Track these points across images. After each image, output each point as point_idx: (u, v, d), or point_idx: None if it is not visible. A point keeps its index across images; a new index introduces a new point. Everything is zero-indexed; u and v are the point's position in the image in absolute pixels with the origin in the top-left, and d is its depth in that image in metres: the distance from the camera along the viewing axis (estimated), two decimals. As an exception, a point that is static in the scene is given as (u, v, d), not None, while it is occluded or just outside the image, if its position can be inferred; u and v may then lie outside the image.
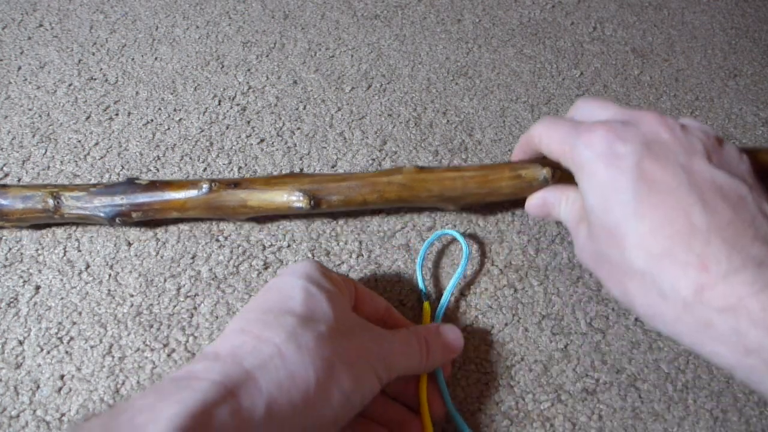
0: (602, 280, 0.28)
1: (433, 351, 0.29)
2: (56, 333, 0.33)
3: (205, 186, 0.35)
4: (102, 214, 0.35)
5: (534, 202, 0.34)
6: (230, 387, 0.21)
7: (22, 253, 0.37)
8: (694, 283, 0.23)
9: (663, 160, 0.25)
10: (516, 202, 0.37)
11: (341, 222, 0.39)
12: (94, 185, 0.36)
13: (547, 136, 0.30)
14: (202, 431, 0.19)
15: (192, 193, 0.35)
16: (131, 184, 0.36)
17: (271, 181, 0.35)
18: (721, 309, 0.22)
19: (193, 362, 0.23)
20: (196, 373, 0.22)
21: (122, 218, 0.35)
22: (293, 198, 0.35)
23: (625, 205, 0.25)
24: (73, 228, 0.38)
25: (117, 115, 0.45)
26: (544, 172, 0.34)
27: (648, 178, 0.25)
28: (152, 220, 0.37)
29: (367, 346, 0.26)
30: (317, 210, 0.35)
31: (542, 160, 0.34)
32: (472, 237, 0.38)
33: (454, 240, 0.38)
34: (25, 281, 0.35)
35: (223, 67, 0.50)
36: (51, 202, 0.35)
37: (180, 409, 0.19)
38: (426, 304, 0.34)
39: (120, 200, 0.35)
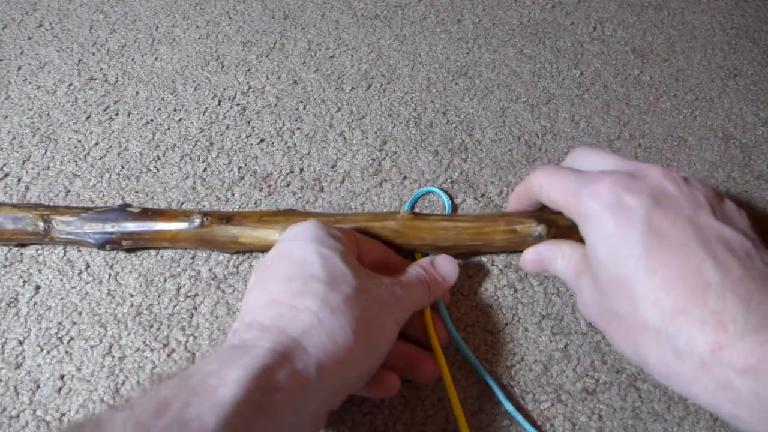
0: (610, 335, 0.27)
1: (434, 285, 0.32)
2: (56, 333, 0.33)
3: (197, 220, 0.35)
4: (92, 241, 0.35)
5: (529, 257, 0.33)
6: (283, 352, 0.23)
7: (22, 253, 0.37)
8: (711, 342, 0.22)
9: (671, 214, 0.25)
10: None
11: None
12: (85, 209, 0.36)
13: (548, 185, 0.29)
14: (266, 392, 0.21)
15: (183, 225, 0.35)
16: (123, 211, 0.35)
17: (264, 218, 0.35)
18: (740, 370, 0.21)
19: (239, 333, 0.25)
20: (248, 342, 0.24)
21: (112, 245, 0.35)
22: None
23: (636, 259, 0.24)
24: (73, 228, 0.38)
25: (117, 115, 0.45)
26: (539, 229, 0.33)
27: (658, 232, 0.24)
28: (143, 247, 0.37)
29: (384, 299, 0.28)
30: None
31: (538, 215, 0.34)
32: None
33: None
34: (25, 281, 0.35)
35: (223, 67, 0.50)
36: (41, 225, 0.35)
37: (244, 373, 0.21)
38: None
39: (111, 228, 0.35)
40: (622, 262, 0.25)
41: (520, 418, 0.30)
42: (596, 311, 0.28)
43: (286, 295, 0.26)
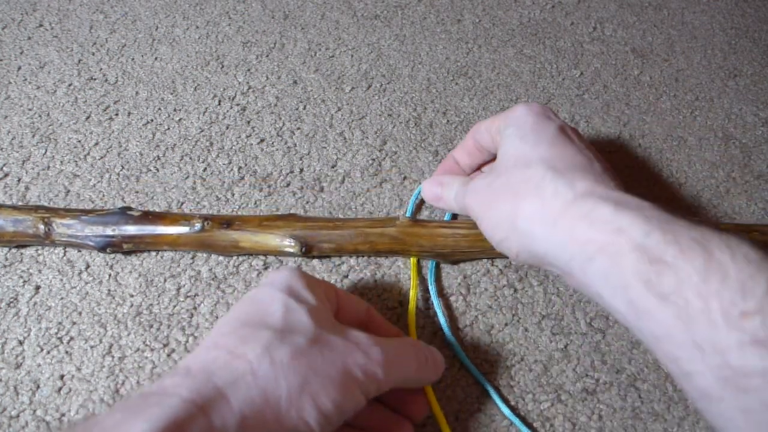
0: (494, 211, 0.29)
1: (431, 359, 0.29)
2: (56, 333, 0.33)
3: (198, 224, 0.35)
4: (92, 243, 0.35)
5: (431, 189, 0.35)
6: (201, 404, 0.21)
7: (22, 253, 0.37)
8: (587, 185, 0.27)
9: (578, 135, 0.31)
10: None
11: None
12: (86, 212, 0.36)
13: (482, 123, 0.34)
14: None
15: (184, 229, 0.35)
16: (123, 215, 0.35)
17: (264, 223, 0.35)
18: (604, 199, 0.25)
19: (165, 377, 0.23)
20: (165, 389, 0.22)
21: (113, 248, 0.35)
22: (285, 243, 0.35)
23: (543, 138, 0.30)
24: (73, 228, 0.38)
25: (117, 115, 0.45)
26: None
27: (566, 135, 0.30)
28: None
29: (352, 359, 0.25)
30: (309, 255, 0.36)
31: None
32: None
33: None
34: (25, 281, 0.35)
35: (223, 67, 0.50)
36: (42, 228, 0.35)
37: (149, 426, 0.19)
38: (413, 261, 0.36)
39: (111, 231, 0.35)
40: (531, 140, 0.30)
41: (517, 421, 0.30)
42: (485, 194, 0.30)
43: (230, 339, 0.24)
